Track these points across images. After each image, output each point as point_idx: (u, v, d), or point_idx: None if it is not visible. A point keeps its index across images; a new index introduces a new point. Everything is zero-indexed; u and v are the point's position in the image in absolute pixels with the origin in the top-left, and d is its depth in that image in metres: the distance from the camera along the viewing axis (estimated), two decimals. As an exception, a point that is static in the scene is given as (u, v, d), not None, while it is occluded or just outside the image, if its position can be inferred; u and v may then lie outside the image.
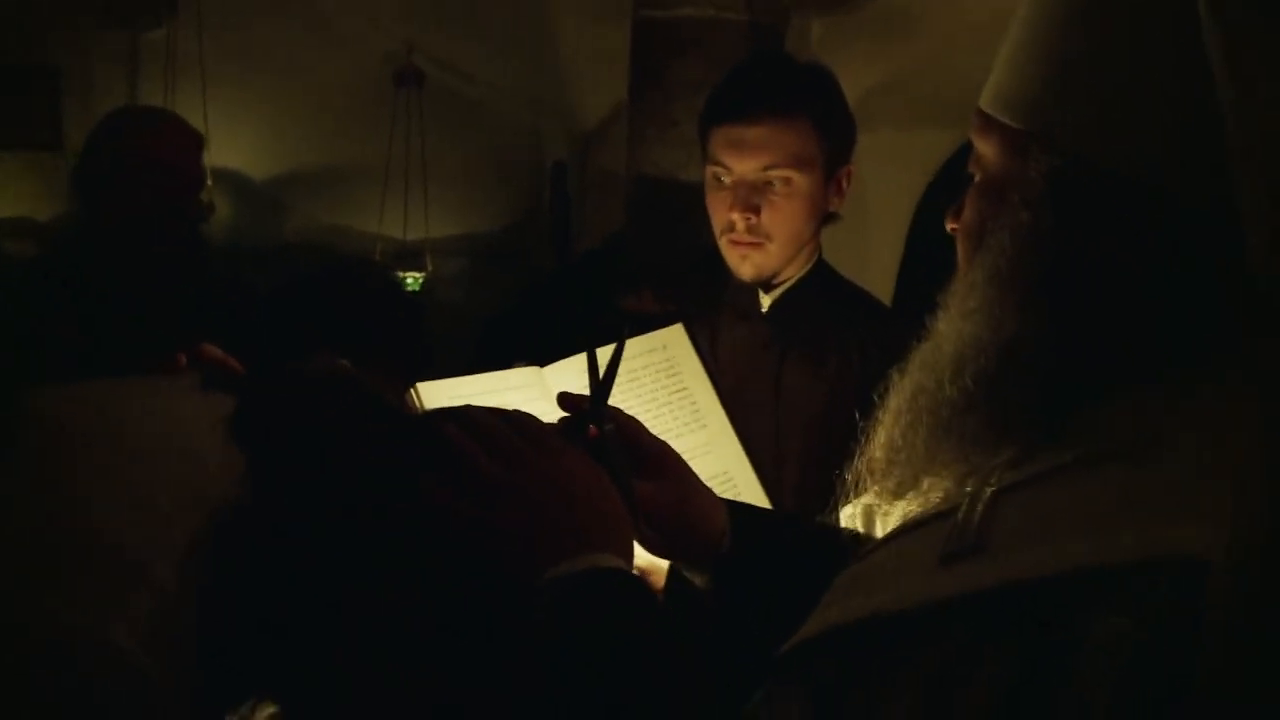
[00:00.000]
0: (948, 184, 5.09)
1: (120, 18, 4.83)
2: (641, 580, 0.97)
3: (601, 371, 1.17)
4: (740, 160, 1.94)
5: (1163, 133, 0.82)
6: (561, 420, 1.17)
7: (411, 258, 5.32)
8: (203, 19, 4.59)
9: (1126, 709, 0.62)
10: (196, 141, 2.74)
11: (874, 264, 4.72)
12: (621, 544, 0.98)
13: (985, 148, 0.96)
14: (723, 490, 1.84)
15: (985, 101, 0.96)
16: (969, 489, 0.88)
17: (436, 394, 1.67)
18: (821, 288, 2.10)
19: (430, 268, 5.32)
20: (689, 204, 2.54)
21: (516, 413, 1.04)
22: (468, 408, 1.05)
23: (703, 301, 2.13)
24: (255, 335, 1.71)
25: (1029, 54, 0.91)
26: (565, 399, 1.18)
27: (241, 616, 0.95)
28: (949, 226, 1.04)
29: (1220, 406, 0.76)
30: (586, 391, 1.18)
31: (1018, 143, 0.90)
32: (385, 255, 5.29)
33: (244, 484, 0.97)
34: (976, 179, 0.99)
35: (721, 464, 1.89)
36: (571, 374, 1.82)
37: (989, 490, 0.83)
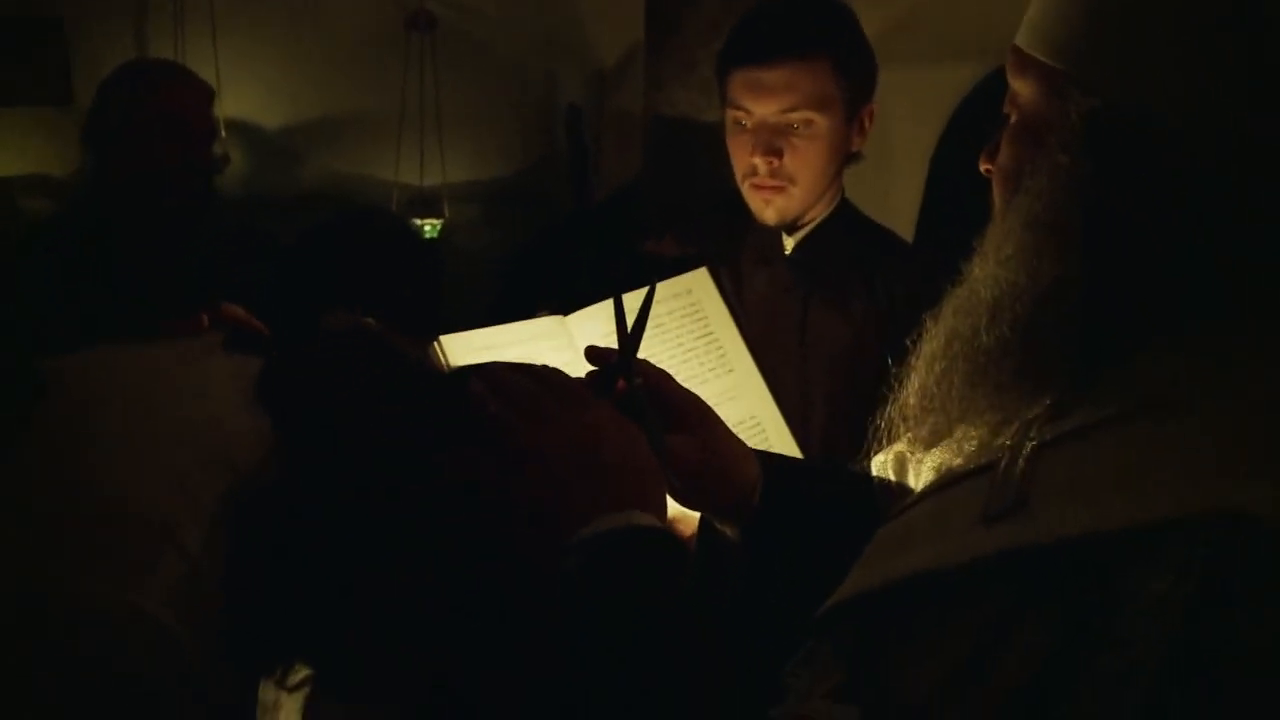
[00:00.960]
0: (968, 120, 5.03)
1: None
2: (676, 537, 0.96)
3: (629, 323, 1.15)
4: (760, 103, 1.91)
5: (1201, 79, 0.80)
6: (590, 374, 1.15)
7: (428, 204, 5.29)
8: (211, -32, 4.54)
9: (1175, 670, 0.61)
10: (207, 93, 2.71)
11: (896, 201, 4.68)
12: (654, 500, 0.97)
13: (1022, 87, 0.93)
14: (750, 434, 1.84)
15: (1022, 39, 0.94)
16: (1006, 441, 0.87)
17: (459, 346, 1.66)
18: (845, 229, 2.07)
19: (447, 214, 5.29)
20: (708, 146, 2.51)
21: (543, 368, 1.03)
22: (494, 365, 1.03)
23: (724, 245, 2.11)
24: (274, 289, 1.70)
25: None
26: (593, 353, 1.16)
27: (270, 582, 0.95)
28: (983, 168, 1.02)
29: (1257, 360, 0.75)
30: (611, 341, 1.16)
31: (1056, 83, 0.88)
32: (401, 202, 5.26)
33: (270, 448, 0.97)
34: (1012, 120, 0.96)
35: (749, 409, 1.88)
36: (596, 322, 1.80)
37: (1030, 445, 0.81)
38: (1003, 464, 0.82)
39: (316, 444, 0.96)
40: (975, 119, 5.20)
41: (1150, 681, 0.62)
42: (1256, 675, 0.59)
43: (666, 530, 0.94)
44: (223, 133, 2.79)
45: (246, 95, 4.92)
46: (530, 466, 0.92)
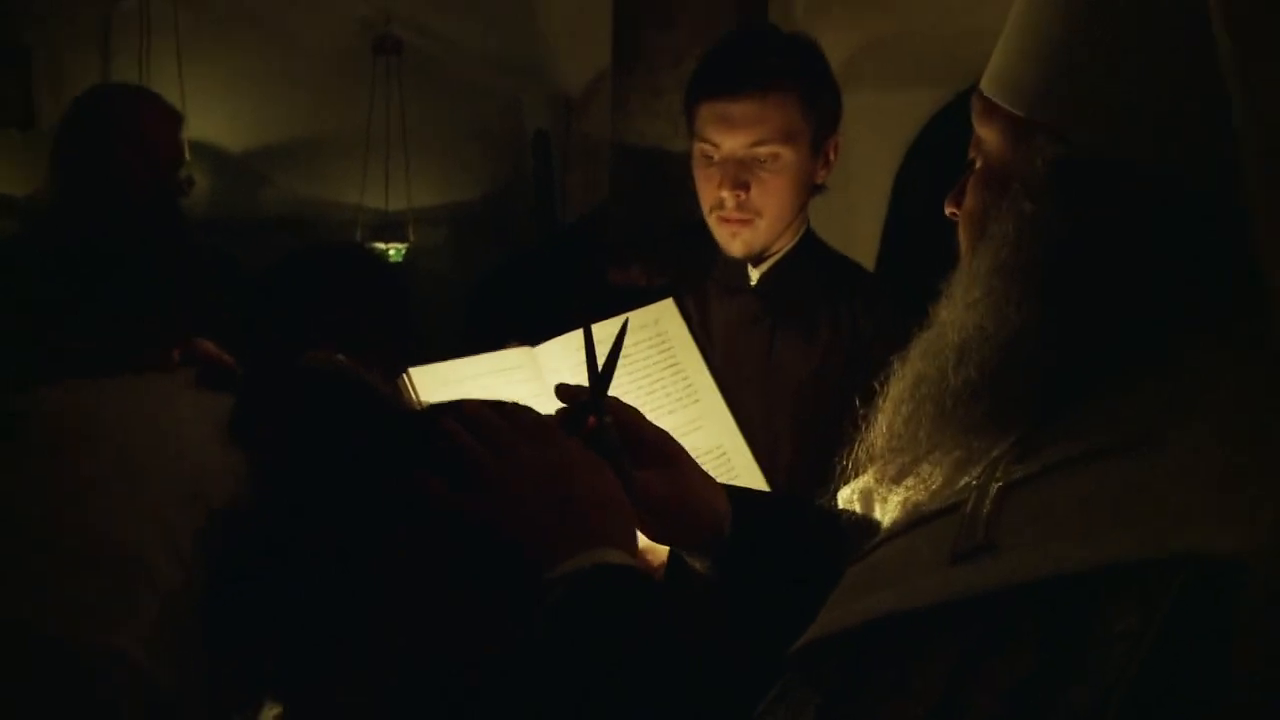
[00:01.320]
0: (930, 144, 5.10)
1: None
2: (646, 574, 0.97)
3: (600, 362, 1.16)
4: (728, 137, 1.93)
5: (1167, 122, 0.82)
6: (560, 411, 1.17)
7: (394, 228, 5.30)
8: (176, -10, 4.53)
9: (1140, 705, 0.62)
10: (175, 118, 2.72)
11: (858, 224, 4.74)
12: (625, 536, 0.98)
13: (987, 133, 0.95)
14: (716, 464, 1.86)
15: (987, 86, 0.95)
16: (972, 481, 0.89)
17: (428, 379, 1.66)
18: (810, 260, 2.09)
19: (412, 238, 5.29)
20: (674, 175, 2.53)
21: (514, 405, 1.04)
22: (465, 402, 1.04)
23: (690, 274, 2.12)
24: (243, 323, 1.70)
25: (1032, 40, 0.91)
26: (563, 390, 1.17)
27: (245, 617, 0.95)
28: (948, 211, 1.03)
29: (1224, 397, 0.76)
30: (580, 371, 1.18)
31: (1020, 130, 0.90)
32: (366, 226, 5.26)
33: (244, 484, 0.97)
34: (977, 165, 0.98)
35: (714, 438, 1.90)
36: (563, 353, 1.81)
37: (995, 485, 0.83)
38: (969, 504, 0.83)
39: (293, 481, 0.97)
40: (937, 144, 5.29)
41: (1116, 715, 0.63)
42: (1214, 713, 0.61)
43: (636, 567, 0.95)
44: (188, 156, 2.78)
45: (211, 118, 4.91)
46: (503, 503, 0.93)
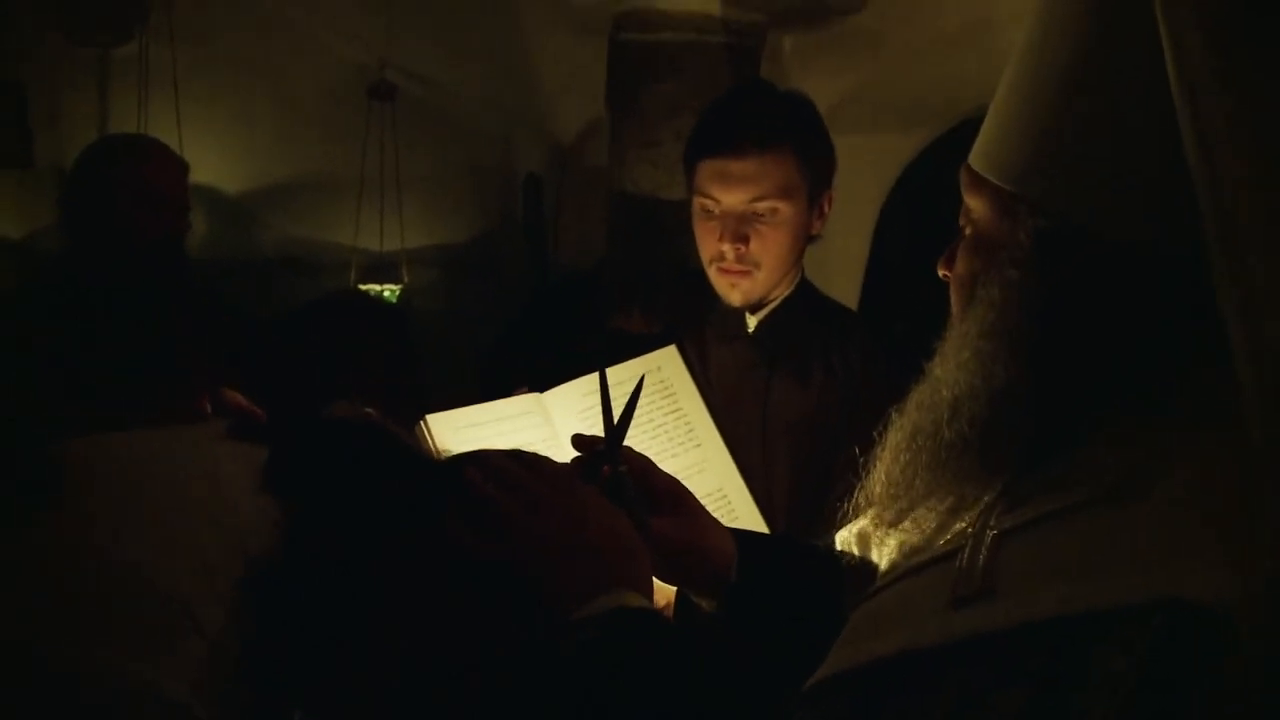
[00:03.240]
0: (910, 186, 5.19)
1: (90, 33, 4.80)
2: (663, 618, 1.03)
3: (616, 411, 1.22)
4: (728, 193, 2.00)
5: (1144, 198, 0.88)
6: (576, 460, 1.23)
7: (388, 269, 5.34)
8: (174, 34, 4.58)
9: None
10: (181, 168, 2.75)
11: (839, 264, 4.81)
12: (642, 580, 1.03)
13: (975, 204, 1.01)
14: (717, 506, 1.91)
15: (975, 160, 1.01)
16: (967, 527, 0.95)
17: (443, 425, 1.72)
18: (805, 307, 2.16)
19: (406, 279, 5.33)
20: (669, 223, 2.59)
21: (534, 456, 1.10)
22: (486, 452, 1.10)
23: (689, 321, 2.19)
24: (261, 372, 1.75)
25: (1017, 117, 0.97)
26: (579, 441, 1.24)
27: (287, 661, 0.99)
28: (941, 274, 1.10)
29: (1204, 446, 0.81)
30: (587, 416, 1.24)
31: (1006, 203, 0.96)
32: (360, 267, 5.30)
33: (280, 532, 1.02)
34: (966, 232, 1.04)
35: (716, 482, 1.95)
36: (570, 400, 1.87)
37: (990, 534, 0.89)
38: (966, 552, 0.90)
39: (329, 530, 1.02)
40: (918, 186, 5.38)
41: None
42: None
43: (655, 610, 1.01)
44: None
45: (208, 160, 4.95)
46: (527, 550, 0.99)
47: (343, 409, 1.19)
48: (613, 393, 1.26)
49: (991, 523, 0.91)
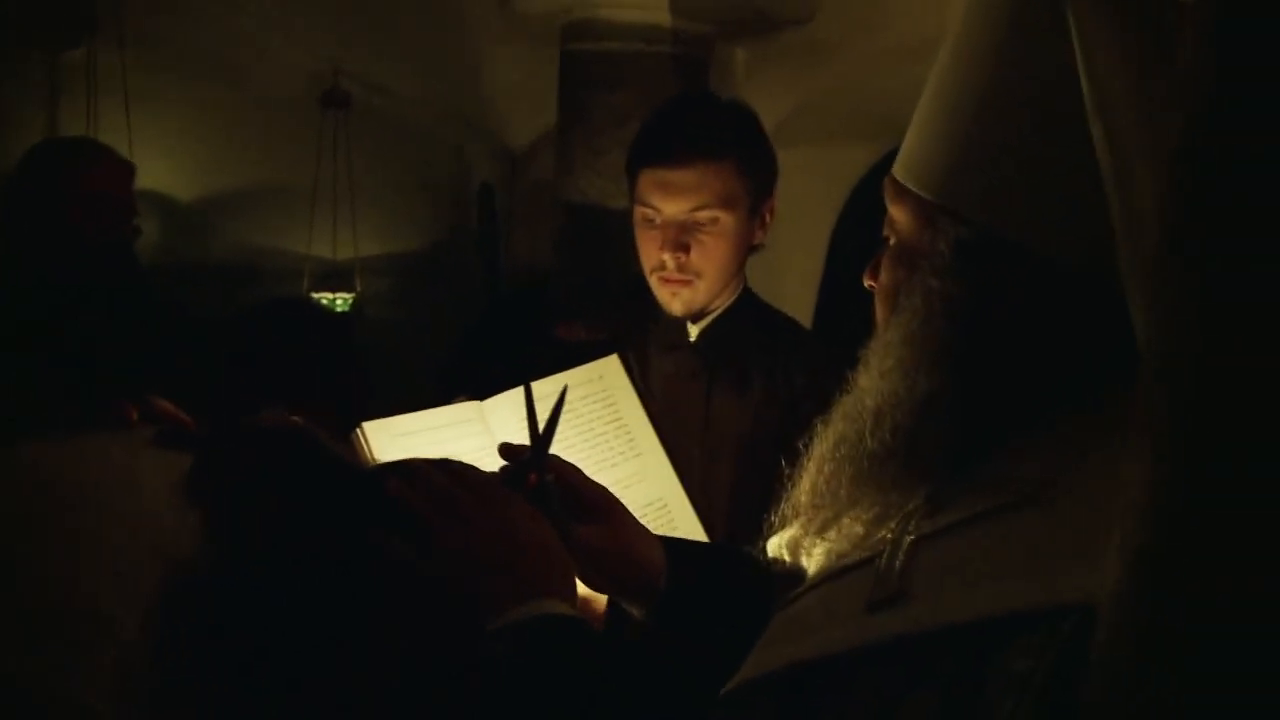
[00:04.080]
0: (865, 198, 5.22)
1: (38, 38, 4.76)
2: (586, 624, 1.03)
3: (540, 419, 1.22)
4: (669, 202, 2.01)
5: (1060, 209, 0.90)
6: (503, 469, 1.22)
7: (341, 277, 5.31)
8: (124, 40, 4.54)
9: None
10: (126, 171, 2.73)
11: (794, 276, 4.83)
12: (564, 586, 1.03)
13: (898, 214, 1.02)
14: (657, 516, 1.91)
15: (898, 170, 1.03)
16: (888, 535, 0.95)
17: (380, 433, 1.71)
18: (747, 317, 2.17)
19: (359, 287, 5.31)
20: (615, 233, 2.60)
21: (459, 465, 1.10)
22: (412, 461, 1.09)
23: (632, 330, 2.19)
24: (193, 376, 1.74)
25: (937, 128, 0.98)
26: (506, 450, 1.23)
27: (201, 673, 0.98)
28: (867, 283, 1.11)
29: (1112, 449, 0.83)
30: (525, 426, 1.24)
31: (927, 212, 0.97)
32: (314, 276, 5.27)
33: (200, 541, 1.01)
34: (890, 242, 1.05)
35: (656, 491, 1.96)
36: (510, 408, 1.86)
37: (908, 539, 0.90)
38: (884, 557, 0.91)
39: (249, 541, 1.01)
40: (873, 198, 5.39)
41: None
42: None
43: (577, 617, 1.01)
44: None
45: (159, 166, 4.90)
46: (448, 559, 0.99)
47: (269, 417, 1.17)
48: (550, 403, 1.27)
49: (911, 528, 0.92)
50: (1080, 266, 0.90)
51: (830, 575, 1.00)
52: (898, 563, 0.88)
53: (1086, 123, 0.83)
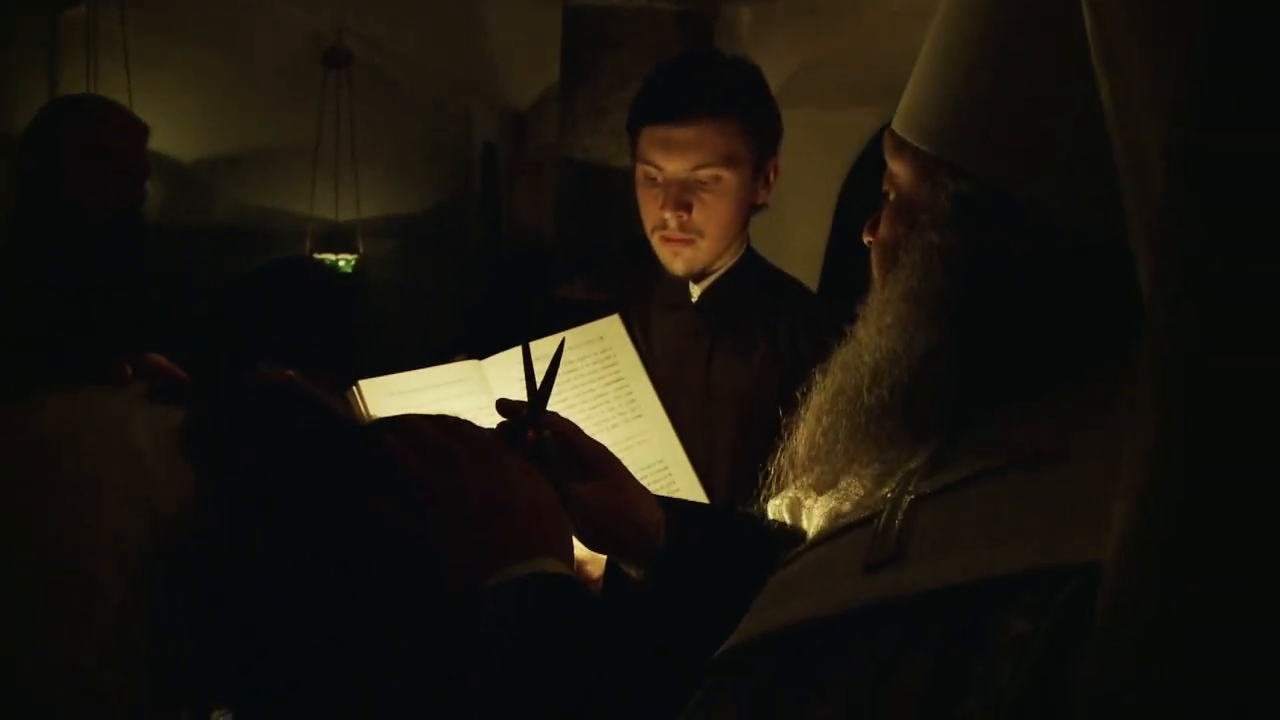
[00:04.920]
0: (873, 160, 5.18)
1: (37, -3, 4.73)
2: (581, 582, 1.02)
3: (539, 377, 1.21)
4: (671, 160, 1.98)
5: (1063, 163, 0.88)
6: (500, 425, 1.21)
7: (343, 239, 5.30)
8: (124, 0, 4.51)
9: (1029, 707, 0.67)
10: (143, 131, 2.69)
11: (799, 241, 4.81)
12: (561, 544, 1.02)
13: (898, 168, 1.01)
14: (658, 478, 1.90)
15: (897, 124, 1.01)
16: (887, 493, 0.94)
17: (378, 391, 1.70)
18: (750, 277, 2.15)
19: (362, 249, 5.30)
20: (619, 193, 2.57)
21: (455, 419, 1.08)
22: (407, 417, 1.08)
23: (634, 290, 2.17)
24: (198, 336, 1.73)
25: (939, 81, 0.97)
26: (504, 405, 1.22)
27: (193, 630, 0.98)
28: (865, 239, 1.09)
29: (1116, 415, 0.82)
30: (523, 387, 1.22)
31: (928, 166, 0.96)
32: (316, 237, 5.26)
33: (193, 497, 1.00)
34: (890, 197, 1.04)
35: (657, 453, 1.95)
36: (509, 367, 1.85)
37: (907, 499, 0.88)
38: (883, 517, 0.89)
39: (240, 496, 1.00)
40: (881, 160, 5.36)
41: (1009, 714, 0.68)
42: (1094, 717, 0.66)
43: (572, 575, 1.00)
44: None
45: (160, 128, 4.83)
46: (442, 516, 0.97)
47: (264, 373, 1.16)
48: (547, 364, 1.25)
49: (910, 488, 0.91)
50: (1084, 222, 0.88)
51: (828, 536, 0.99)
52: (896, 522, 0.87)
53: (1092, 75, 0.81)
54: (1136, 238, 0.78)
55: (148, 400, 1.11)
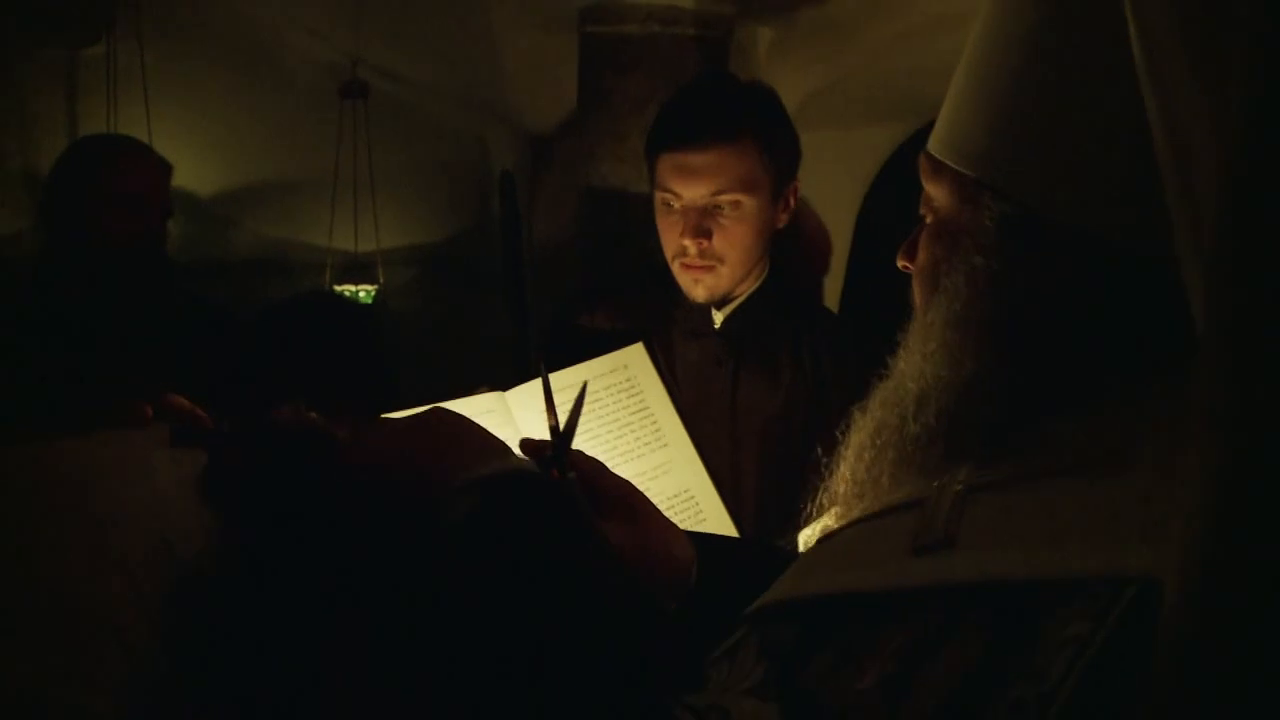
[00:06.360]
0: (891, 179, 5.18)
1: (57, 35, 4.76)
2: (553, 481, 1.05)
3: (560, 413, 1.19)
4: (688, 187, 1.95)
5: (1110, 185, 0.86)
6: None
7: (363, 270, 5.31)
8: (142, 34, 4.54)
9: (1081, 708, 0.66)
10: (167, 170, 2.69)
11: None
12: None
13: (936, 192, 0.99)
14: (684, 508, 1.88)
15: (935, 147, 0.99)
16: (935, 484, 0.93)
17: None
18: (773, 301, 2.12)
19: (382, 280, 5.30)
20: (638, 219, 2.57)
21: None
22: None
23: (656, 318, 2.15)
24: (218, 375, 1.72)
25: (979, 103, 0.95)
26: (528, 446, 1.20)
27: (216, 674, 0.97)
28: (901, 264, 1.07)
29: (1175, 426, 0.80)
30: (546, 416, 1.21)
31: (969, 189, 0.94)
32: (336, 268, 5.27)
33: (214, 543, 0.99)
34: (927, 220, 1.02)
35: (683, 482, 1.93)
36: (533, 398, 1.84)
37: (956, 488, 0.87)
38: (930, 503, 0.88)
39: (259, 542, 0.99)
40: (899, 178, 5.37)
41: (1060, 713, 0.66)
42: None
43: (543, 474, 1.02)
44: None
45: (179, 161, 4.85)
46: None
47: (286, 414, 1.15)
48: (573, 393, 1.24)
49: (960, 477, 0.89)
50: (1129, 241, 0.86)
51: (870, 516, 0.97)
52: (945, 509, 0.86)
53: (1138, 94, 0.79)
54: (1186, 257, 0.77)
55: (170, 443, 1.10)
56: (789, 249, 2.82)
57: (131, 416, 1.20)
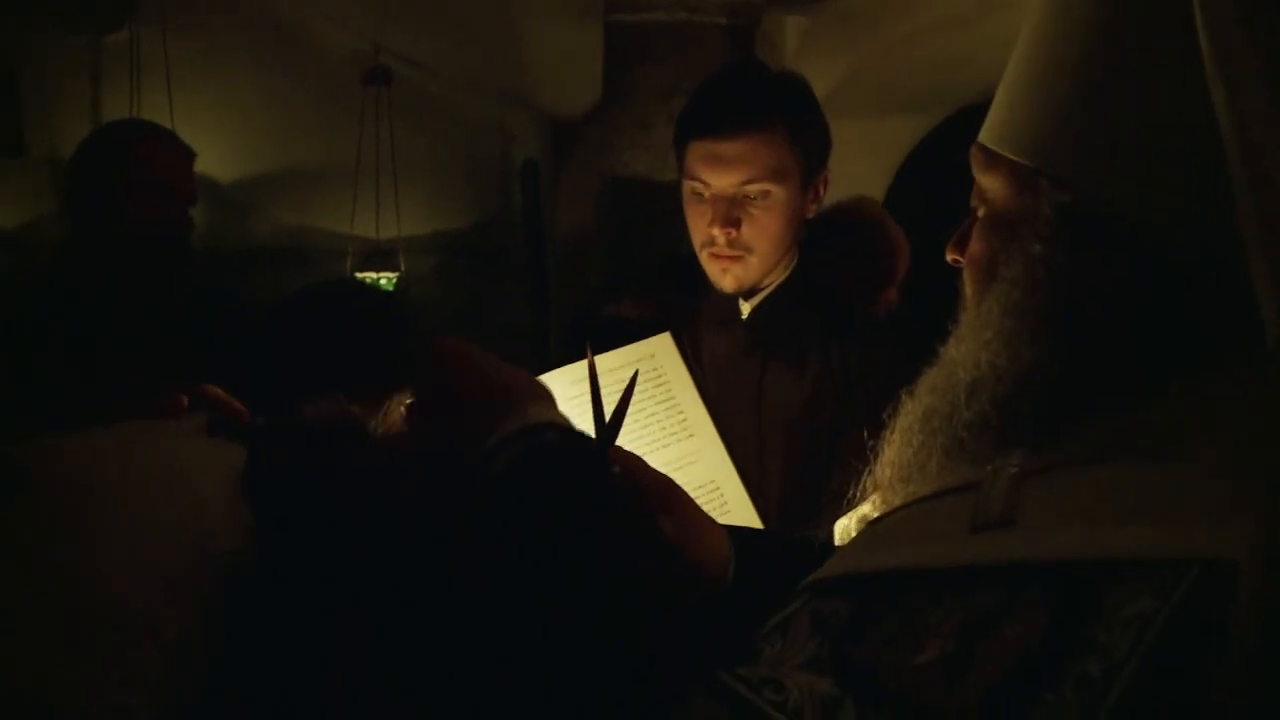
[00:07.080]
0: (917, 168, 5.16)
1: (81, 21, 4.77)
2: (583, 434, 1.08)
3: (608, 413, 1.19)
4: (717, 176, 1.93)
5: (1172, 176, 0.86)
6: None
7: (384, 257, 5.32)
8: (166, 21, 4.54)
9: (1147, 683, 0.66)
10: (191, 157, 2.70)
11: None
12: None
13: (991, 183, 0.98)
14: (709, 498, 1.87)
15: (989, 138, 0.99)
16: (990, 467, 0.92)
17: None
18: (801, 293, 2.10)
19: (403, 267, 5.31)
20: (662, 208, 2.55)
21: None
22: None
23: (682, 307, 2.13)
24: (248, 367, 1.72)
25: (1036, 94, 0.94)
26: None
27: (252, 671, 0.97)
28: (950, 258, 1.07)
29: (1241, 412, 0.80)
30: (578, 404, 1.21)
31: (1026, 179, 0.94)
32: (357, 256, 5.27)
33: (251, 538, 0.99)
34: (980, 213, 1.01)
35: (708, 473, 1.92)
36: (559, 386, 1.82)
37: (1012, 469, 0.87)
38: (986, 485, 0.87)
39: (298, 540, 0.99)
40: (925, 167, 5.34)
41: (1125, 687, 0.66)
42: (1212, 701, 0.63)
43: (565, 422, 1.05)
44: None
45: (202, 149, 4.86)
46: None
47: (325, 407, 1.15)
48: (600, 380, 1.24)
49: (1015, 460, 0.89)
50: (1191, 231, 0.86)
51: (924, 498, 0.98)
52: (1001, 491, 0.86)
53: (1204, 86, 0.79)
54: (1253, 251, 0.77)
55: (207, 435, 1.10)
56: (863, 265, 2.84)
57: (168, 407, 1.20)
